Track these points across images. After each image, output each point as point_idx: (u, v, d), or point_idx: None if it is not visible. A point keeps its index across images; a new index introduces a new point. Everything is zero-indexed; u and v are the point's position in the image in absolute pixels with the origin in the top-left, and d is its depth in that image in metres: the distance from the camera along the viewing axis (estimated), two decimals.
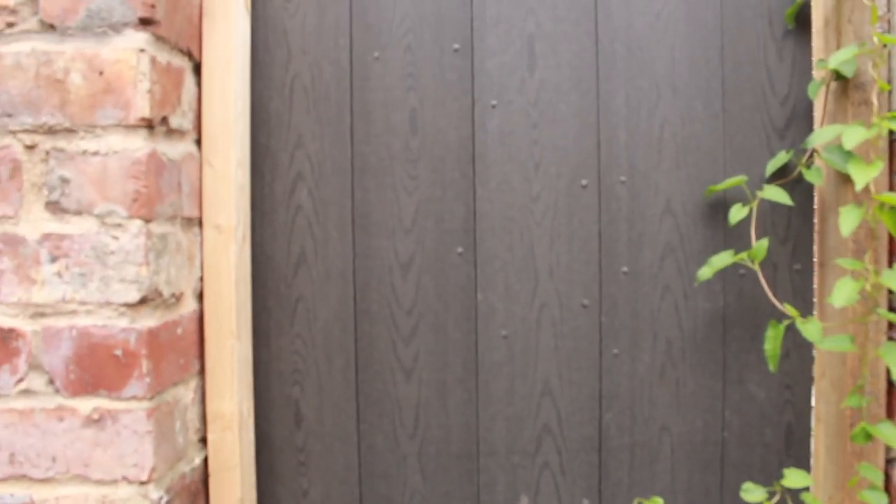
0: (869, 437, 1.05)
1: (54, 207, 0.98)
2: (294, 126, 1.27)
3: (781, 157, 1.19)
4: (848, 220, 1.03)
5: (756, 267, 1.17)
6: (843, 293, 1.01)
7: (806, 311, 1.24)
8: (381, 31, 1.27)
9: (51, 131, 0.98)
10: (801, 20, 1.24)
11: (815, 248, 1.22)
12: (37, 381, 0.99)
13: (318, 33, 1.27)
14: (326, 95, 1.27)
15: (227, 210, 1.15)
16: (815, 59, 1.19)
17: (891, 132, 1.10)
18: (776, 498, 1.22)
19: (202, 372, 1.15)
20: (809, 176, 1.13)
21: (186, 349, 1.10)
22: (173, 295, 1.05)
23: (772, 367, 1.11)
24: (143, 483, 0.99)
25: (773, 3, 1.25)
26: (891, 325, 1.11)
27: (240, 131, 1.18)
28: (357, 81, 1.28)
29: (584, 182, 1.27)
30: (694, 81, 1.26)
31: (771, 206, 1.24)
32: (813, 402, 1.24)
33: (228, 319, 1.14)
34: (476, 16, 1.28)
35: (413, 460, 1.30)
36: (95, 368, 0.98)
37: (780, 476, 1.26)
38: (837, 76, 1.12)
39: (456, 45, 1.27)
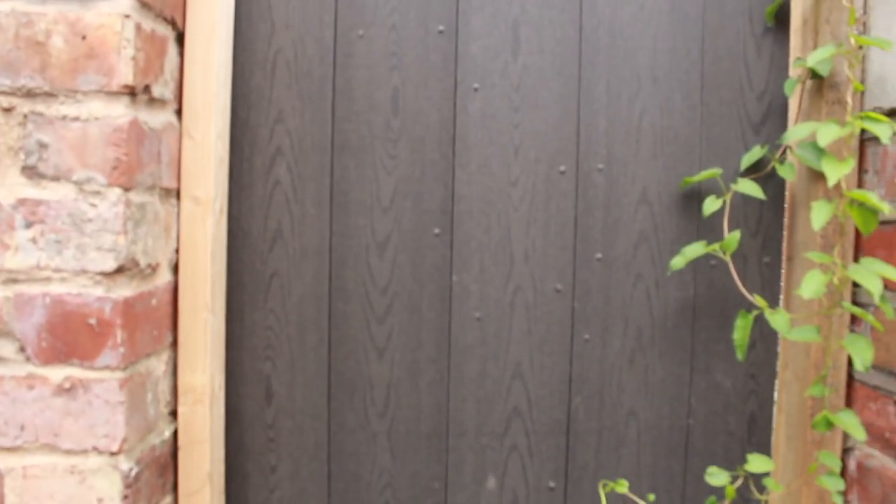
0: (830, 424, 1.08)
1: (31, 172, 0.96)
2: (275, 101, 1.26)
3: (756, 152, 1.21)
4: (819, 215, 1.05)
5: (727, 258, 1.20)
6: (811, 285, 1.04)
7: (774, 302, 1.27)
8: (365, 9, 1.26)
9: (29, 94, 0.96)
10: (781, 18, 1.26)
11: (785, 242, 1.25)
12: (7, 349, 0.98)
13: (302, 8, 1.26)
14: (309, 71, 1.26)
15: (206, 182, 1.14)
16: (792, 57, 1.22)
17: (863, 131, 1.13)
18: (739, 482, 1.25)
19: (175, 344, 1.14)
20: (782, 171, 1.16)
21: (160, 321, 1.09)
22: (149, 265, 1.04)
23: (740, 356, 1.14)
24: (113, 454, 0.98)
25: (754, 0, 1.27)
26: (854, 319, 1.15)
27: (221, 103, 1.17)
28: (340, 58, 1.27)
29: (562, 168, 1.28)
30: (674, 73, 1.27)
31: (743, 200, 1.27)
32: (776, 393, 1.28)
33: (203, 292, 1.13)
34: None
35: (383, 439, 1.30)
36: (68, 337, 0.97)
37: (744, 461, 1.30)
38: (813, 75, 1.15)
39: (441, 27, 1.27)
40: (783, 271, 1.27)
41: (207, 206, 1.14)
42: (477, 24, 1.27)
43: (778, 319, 1.10)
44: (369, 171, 1.27)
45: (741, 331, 1.14)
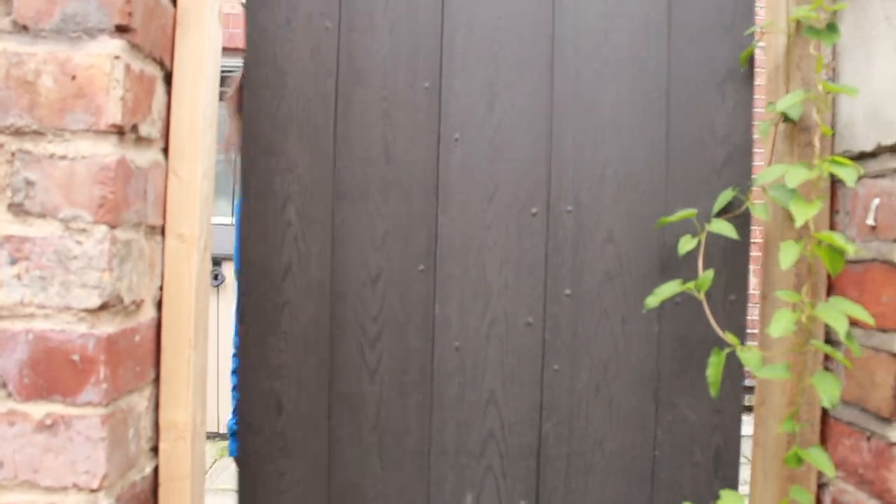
0: (800, 461, 1.10)
1: (17, 209, 0.98)
2: (285, 151, 1.36)
3: (727, 194, 1.24)
4: (787, 255, 1.08)
5: (701, 297, 1.22)
6: (780, 324, 1.07)
7: (740, 340, 1.30)
8: (363, 69, 1.36)
9: (18, 133, 0.98)
10: (750, 64, 1.31)
11: (759, 280, 1.28)
12: None
13: (307, 67, 1.37)
14: (314, 125, 1.37)
15: (191, 220, 1.15)
16: (766, 101, 1.25)
17: (832, 175, 1.16)
18: None
19: (157, 380, 1.15)
20: (757, 212, 1.19)
21: (143, 357, 1.10)
22: (133, 302, 1.05)
23: (713, 392, 1.16)
24: (93, 491, 0.98)
25: (715, 50, 1.33)
26: (827, 356, 1.17)
27: (207, 142, 1.19)
28: (341, 113, 1.36)
29: (534, 210, 1.35)
30: (638, 123, 1.34)
31: (709, 239, 1.31)
32: (751, 429, 1.30)
33: (187, 328, 1.14)
34: (445, 58, 1.36)
35: (374, 451, 1.38)
36: (51, 373, 0.98)
37: (713, 495, 1.32)
38: (785, 119, 1.19)
39: (426, 84, 1.35)
40: (759, 308, 1.30)
41: (192, 243, 1.15)
42: (458, 82, 1.36)
43: (749, 357, 1.13)
44: (364, 216, 1.36)
45: (714, 367, 1.17)
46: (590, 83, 1.35)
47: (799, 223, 1.06)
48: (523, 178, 1.36)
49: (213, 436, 4.92)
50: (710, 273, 1.20)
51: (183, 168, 1.15)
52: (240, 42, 5.96)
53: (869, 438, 1.08)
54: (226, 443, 4.85)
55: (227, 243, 5.12)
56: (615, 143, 1.35)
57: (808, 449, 1.12)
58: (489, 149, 1.36)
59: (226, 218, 6.00)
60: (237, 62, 6.15)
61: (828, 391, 1.05)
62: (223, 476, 4.29)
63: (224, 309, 4.90)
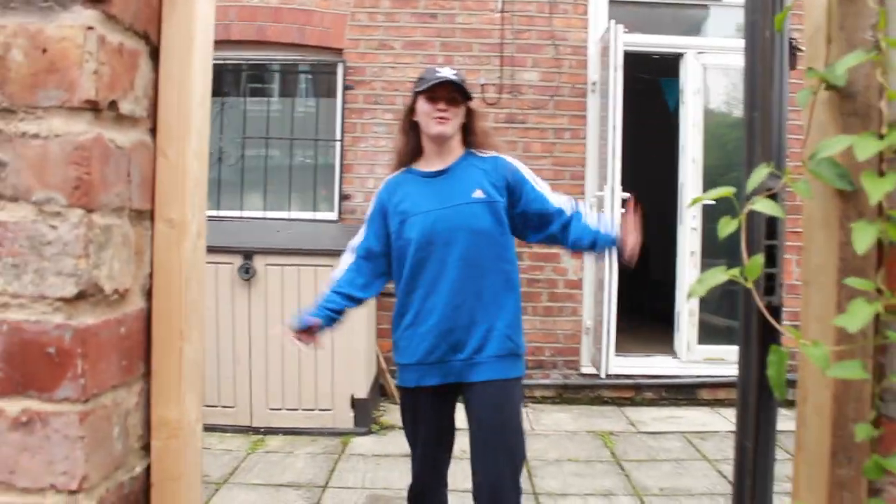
0: (882, 471, 0.99)
1: None
2: None
3: (761, 171, 1.13)
4: (863, 237, 0.95)
5: (750, 285, 1.10)
6: (858, 316, 0.94)
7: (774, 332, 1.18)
8: None
9: None
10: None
11: (802, 266, 1.17)
12: None
13: None
14: None
15: (181, 204, 1.08)
16: (805, 67, 1.14)
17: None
18: None
19: (148, 375, 1.08)
20: (800, 190, 1.07)
21: (130, 350, 1.03)
22: (117, 291, 0.98)
23: (779, 394, 1.04)
24: (72, 492, 0.91)
25: None
26: (878, 349, 1.06)
27: (198, 121, 1.11)
28: None
29: None
30: None
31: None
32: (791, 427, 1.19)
33: (178, 320, 1.07)
34: None
35: None
36: (26, 367, 0.91)
37: None
38: (828, 86, 1.07)
39: None
40: (802, 297, 1.18)
41: (183, 229, 1.08)
42: None
43: (816, 353, 1.00)
44: None
45: (776, 367, 1.04)
46: None
47: (874, 200, 0.94)
48: None
49: (245, 429, 4.90)
50: (759, 259, 1.08)
51: (171, 148, 1.08)
52: (271, 34, 5.93)
53: None
54: (259, 437, 4.82)
55: (259, 236, 5.10)
56: None
57: (889, 457, 1.00)
58: None
59: (257, 212, 5.97)
60: (269, 55, 6.10)
61: None
62: (255, 471, 4.25)
63: (256, 303, 4.87)
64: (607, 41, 5.59)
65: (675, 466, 4.53)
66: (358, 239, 2.71)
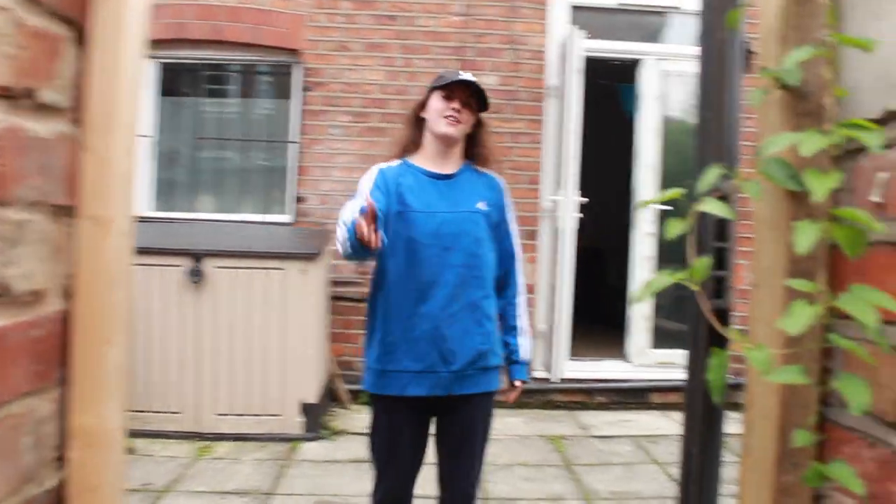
0: (823, 478, 0.96)
1: None
2: None
3: (713, 171, 1.11)
4: (805, 237, 0.93)
5: (697, 287, 1.08)
6: (799, 319, 0.92)
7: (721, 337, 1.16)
8: None
9: None
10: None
11: (752, 269, 1.15)
12: None
13: None
14: None
15: (107, 201, 1.02)
16: (758, 68, 1.12)
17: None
18: None
19: (66, 381, 1.01)
20: (749, 190, 1.05)
21: (46, 355, 0.96)
22: (30, 292, 0.92)
23: (717, 398, 1.02)
24: None
25: None
26: (825, 354, 1.04)
27: (129, 114, 1.05)
28: None
29: None
30: None
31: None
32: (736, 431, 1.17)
33: (101, 323, 1.01)
34: None
35: None
36: None
37: None
38: (782, 85, 1.05)
39: None
40: (751, 300, 1.16)
41: (108, 227, 1.02)
42: None
43: (758, 357, 0.98)
44: None
45: (716, 371, 1.02)
46: None
47: (819, 197, 0.92)
48: None
49: (191, 436, 4.79)
50: (706, 261, 1.05)
51: (99, 142, 1.01)
52: (228, 34, 5.83)
53: (872, 446, 0.95)
54: (206, 443, 4.72)
55: (209, 238, 5.00)
56: None
57: (830, 464, 0.98)
58: None
59: (209, 213, 5.86)
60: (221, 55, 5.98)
61: (857, 397, 0.89)
62: (200, 478, 4.15)
63: (205, 307, 4.76)
64: (567, 46, 5.60)
65: (626, 470, 4.53)
66: (356, 205, 2.36)
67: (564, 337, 5.47)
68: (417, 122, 2.57)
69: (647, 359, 6.07)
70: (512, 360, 2.63)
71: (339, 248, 2.30)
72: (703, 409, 1.22)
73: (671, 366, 6.07)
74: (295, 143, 5.93)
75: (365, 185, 2.46)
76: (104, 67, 1.03)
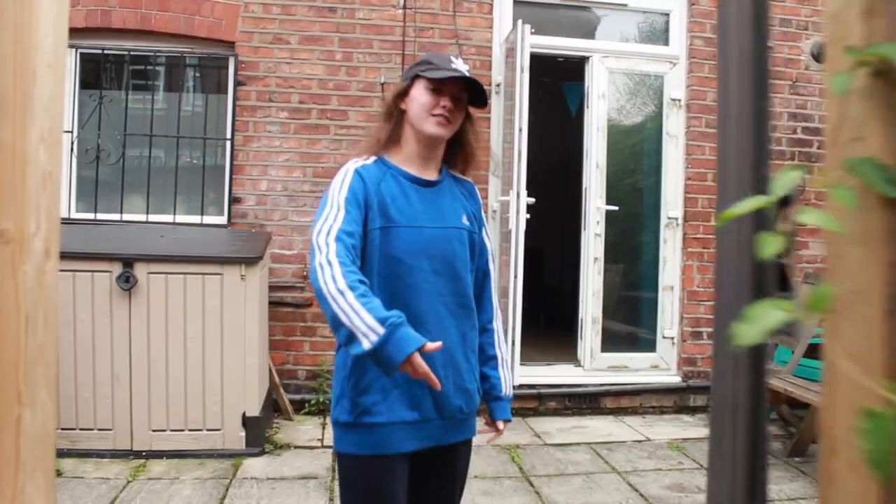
0: None
1: None
2: None
3: (793, 176, 0.90)
4: None
5: (817, 321, 0.85)
6: None
7: None
8: None
9: None
10: None
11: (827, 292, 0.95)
12: None
13: None
14: None
15: (20, 209, 0.77)
16: (835, 46, 0.93)
17: None
18: None
19: None
20: (840, 196, 0.85)
21: None
22: None
23: (881, 474, 0.78)
24: None
25: None
26: None
27: (46, 97, 0.80)
28: None
29: None
30: None
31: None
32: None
33: (14, 376, 0.75)
34: None
35: None
36: None
37: None
38: (876, 72, 0.86)
39: None
40: (827, 329, 0.97)
41: (22, 245, 0.77)
42: None
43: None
44: None
45: (877, 436, 0.78)
46: None
47: None
48: None
49: (125, 454, 4.45)
50: (827, 289, 0.82)
51: (5, 131, 0.76)
52: (156, 23, 5.47)
53: None
54: (140, 461, 4.38)
55: (141, 242, 4.66)
56: None
57: None
58: None
59: (139, 215, 5.51)
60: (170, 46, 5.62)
61: None
62: (136, 502, 3.83)
63: (137, 316, 4.42)
64: (513, 42, 5.43)
65: (586, 480, 4.38)
66: (333, 224, 1.93)
67: (516, 342, 5.29)
68: (398, 115, 2.11)
69: (597, 362, 5.94)
70: (493, 397, 2.22)
71: (334, 314, 1.79)
72: (750, 471, 1.03)
73: (622, 369, 5.97)
74: (229, 140, 5.61)
75: (338, 191, 1.99)
76: (9, 41, 0.77)
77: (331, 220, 1.93)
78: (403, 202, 2.03)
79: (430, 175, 2.12)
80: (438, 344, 1.75)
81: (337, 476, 2.14)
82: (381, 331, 1.73)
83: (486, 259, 2.23)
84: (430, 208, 2.07)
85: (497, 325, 2.27)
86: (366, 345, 1.73)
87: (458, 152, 2.18)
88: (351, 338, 1.76)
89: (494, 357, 2.24)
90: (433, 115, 2.01)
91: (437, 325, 2.00)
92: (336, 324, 1.79)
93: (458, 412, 2.08)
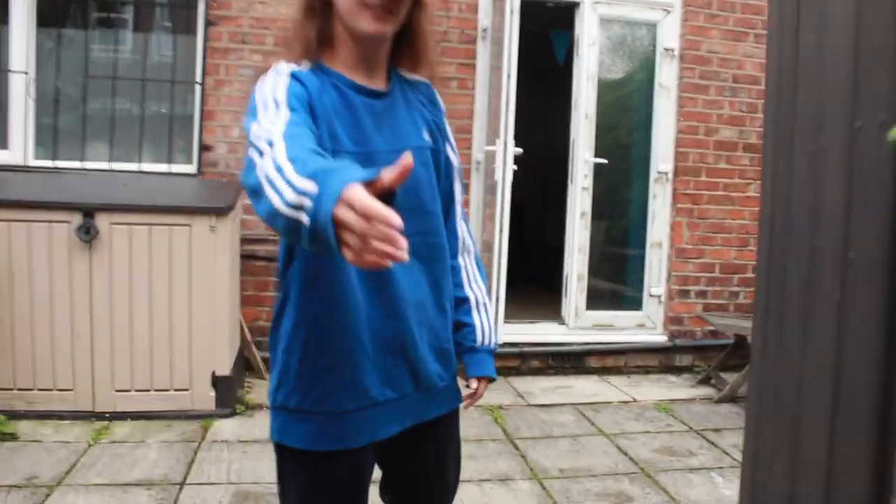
0: None
1: None
2: None
3: None
4: None
5: None
6: None
7: None
8: None
9: None
10: None
11: None
12: None
13: None
14: None
15: None
16: None
17: None
18: None
19: None
20: None
21: None
22: None
23: None
24: None
25: None
26: None
27: None
28: None
29: None
30: None
31: None
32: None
33: None
34: None
35: None
36: None
37: None
38: None
39: None
40: None
41: None
42: None
43: None
44: None
45: None
46: None
47: None
48: None
49: (87, 415, 4.22)
50: None
51: None
52: None
53: None
54: (104, 423, 4.15)
55: (103, 191, 4.36)
56: None
57: None
58: None
59: (102, 163, 5.19)
60: None
61: None
62: (97, 467, 3.61)
63: (99, 269, 4.15)
64: None
65: (573, 443, 4.23)
66: (276, 120, 1.38)
67: (501, 299, 5.09)
68: (323, 8, 1.57)
69: (582, 321, 5.77)
70: (467, 348, 1.76)
71: (268, 202, 1.19)
72: None
73: (607, 328, 5.81)
74: (199, 84, 5.28)
75: (271, 93, 1.47)
76: None
77: (270, 116, 1.40)
78: (350, 119, 1.55)
79: (378, 83, 1.63)
80: (402, 168, 1.11)
81: (276, 476, 1.65)
82: (314, 187, 1.11)
83: (452, 179, 1.77)
84: (381, 125, 1.60)
85: (466, 260, 1.81)
86: (304, 220, 1.11)
87: (404, 48, 1.66)
88: (292, 227, 1.14)
89: (466, 299, 1.78)
90: (367, 7, 1.50)
91: (404, 274, 1.56)
92: (272, 217, 1.19)
93: (437, 379, 1.67)
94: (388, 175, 1.11)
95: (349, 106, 1.56)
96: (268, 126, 1.35)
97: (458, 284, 1.78)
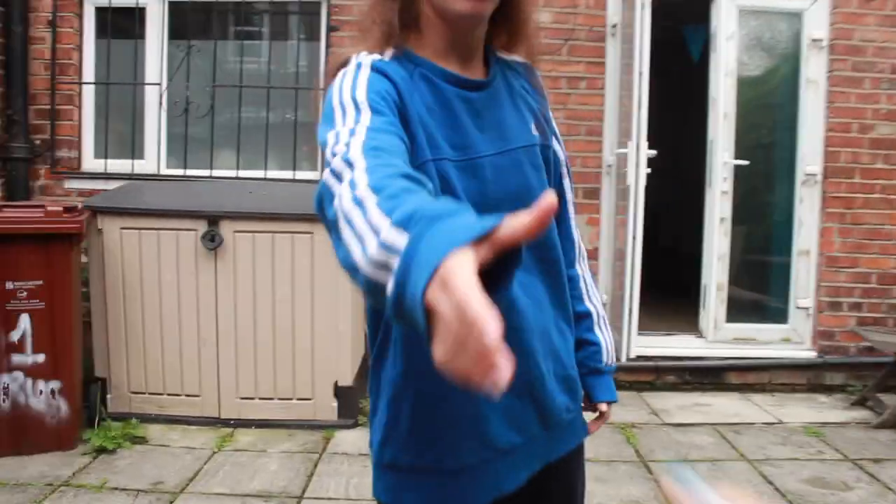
0: None
1: None
2: None
3: None
4: None
5: None
6: None
7: None
8: None
9: None
10: None
11: None
12: None
13: None
14: None
15: None
16: None
17: None
18: None
19: None
20: None
21: None
22: None
23: None
24: None
25: None
26: None
27: None
28: None
29: None
30: None
31: None
32: None
33: None
34: None
35: None
36: None
37: None
38: None
39: None
40: None
41: None
42: None
43: None
44: None
45: None
46: None
47: None
48: None
49: (213, 422, 4.23)
50: None
51: None
52: None
53: None
54: (228, 430, 4.15)
55: (227, 198, 4.38)
56: None
57: None
58: None
59: (230, 171, 5.25)
60: None
61: None
62: (220, 475, 3.59)
63: (223, 277, 4.16)
64: None
65: (712, 468, 3.89)
66: (356, 127, 1.14)
67: (634, 310, 4.78)
68: None
69: (722, 333, 5.37)
70: (591, 369, 1.53)
71: (346, 249, 0.93)
72: None
73: (749, 342, 5.38)
74: (323, 90, 5.25)
75: (349, 92, 1.22)
76: None
77: (349, 123, 1.15)
78: (446, 119, 1.30)
79: (476, 72, 1.38)
80: (539, 216, 0.75)
81: None
82: (404, 242, 0.81)
83: (562, 176, 1.51)
84: (484, 123, 1.34)
85: (583, 268, 1.57)
86: (388, 287, 0.81)
87: (500, 21, 1.36)
88: (373, 290, 0.86)
89: (588, 315, 1.55)
90: None
91: (526, 298, 1.34)
92: (350, 270, 0.92)
93: (565, 413, 1.44)
94: (513, 226, 0.77)
95: (444, 102, 1.31)
96: (346, 138, 1.11)
97: (577, 297, 1.54)
